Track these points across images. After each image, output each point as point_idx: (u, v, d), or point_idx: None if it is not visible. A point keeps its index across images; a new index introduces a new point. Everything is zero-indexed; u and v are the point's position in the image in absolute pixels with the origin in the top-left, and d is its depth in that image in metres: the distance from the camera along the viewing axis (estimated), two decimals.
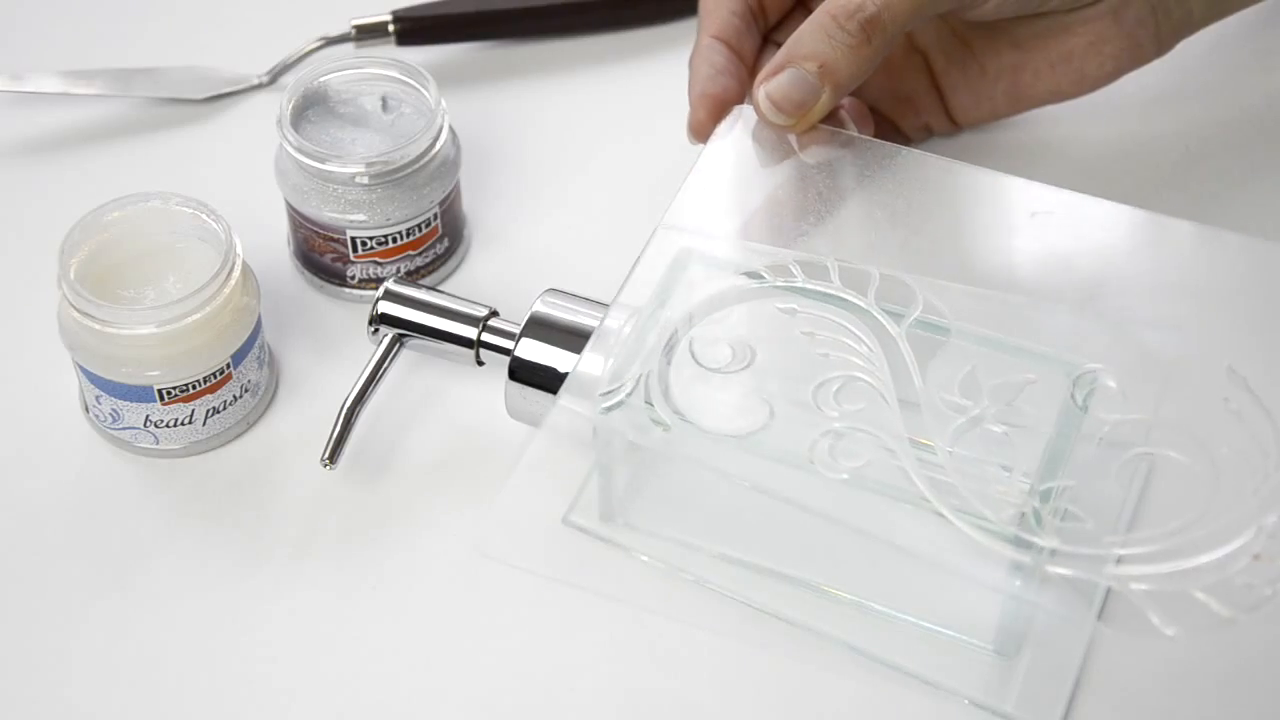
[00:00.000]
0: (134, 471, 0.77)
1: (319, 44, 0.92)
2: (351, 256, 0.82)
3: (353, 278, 0.82)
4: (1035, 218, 0.73)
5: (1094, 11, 0.79)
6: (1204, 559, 0.62)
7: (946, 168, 0.75)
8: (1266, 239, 0.72)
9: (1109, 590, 0.64)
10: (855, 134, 0.77)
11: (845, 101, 0.80)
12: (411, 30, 0.92)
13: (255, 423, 0.78)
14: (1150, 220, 0.71)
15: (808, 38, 0.74)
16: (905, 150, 0.76)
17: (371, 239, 0.81)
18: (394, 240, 0.81)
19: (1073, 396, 0.68)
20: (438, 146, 0.81)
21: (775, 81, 0.74)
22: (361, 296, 0.82)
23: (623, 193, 0.86)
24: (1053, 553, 0.63)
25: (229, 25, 0.96)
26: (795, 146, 0.75)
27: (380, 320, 0.78)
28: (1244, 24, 0.91)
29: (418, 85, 0.82)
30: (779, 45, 0.76)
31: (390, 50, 0.92)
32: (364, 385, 0.76)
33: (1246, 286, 0.70)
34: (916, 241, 0.73)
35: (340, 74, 0.82)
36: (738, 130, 0.76)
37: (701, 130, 0.77)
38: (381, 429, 0.78)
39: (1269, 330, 0.63)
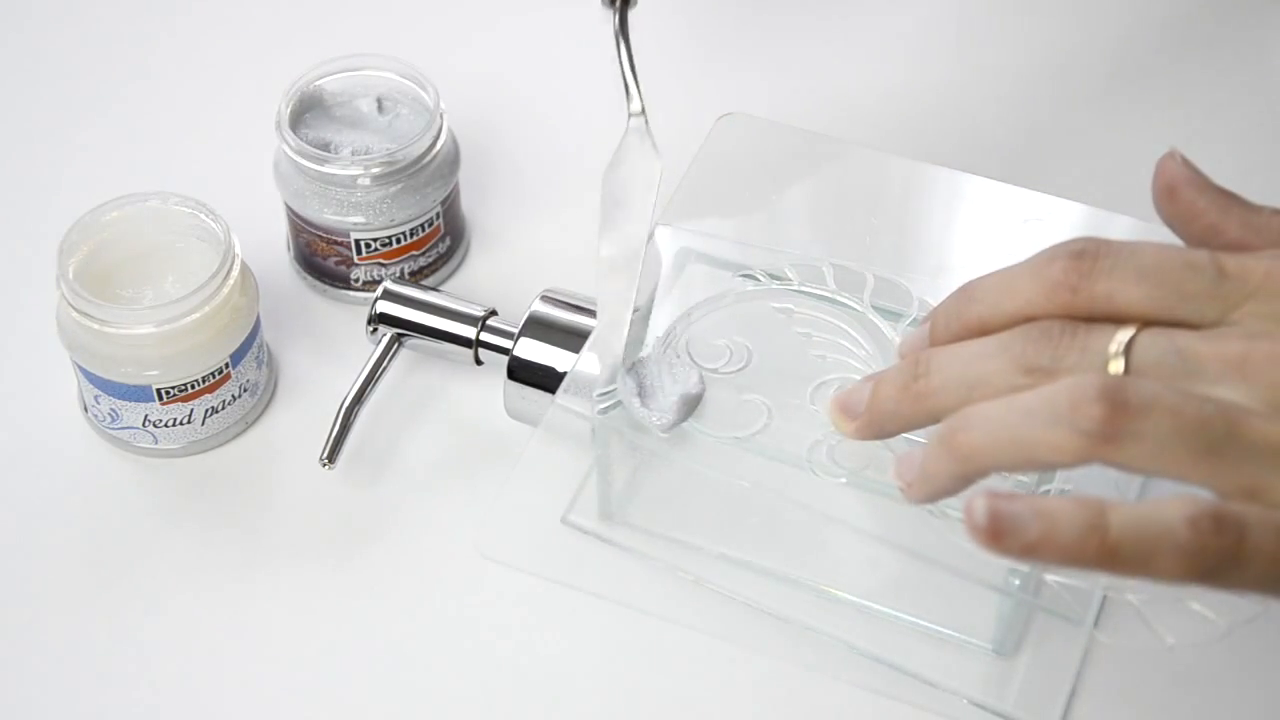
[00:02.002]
0: (133, 471, 0.77)
1: None
2: (356, 259, 0.82)
3: (357, 280, 0.82)
4: (1028, 224, 0.73)
5: None
6: None
7: (942, 175, 0.75)
8: None
9: (1104, 599, 0.65)
10: (849, 143, 0.77)
11: None
12: None
13: (254, 422, 0.78)
14: (1142, 228, 0.71)
15: None
16: (901, 159, 0.75)
17: (376, 240, 0.81)
18: (398, 241, 0.81)
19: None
20: (439, 146, 0.81)
21: None
22: (366, 299, 0.82)
23: None
24: None
25: (236, 29, 0.96)
26: (789, 153, 0.75)
27: (379, 320, 0.78)
28: (1244, 24, 0.91)
29: (414, 85, 0.82)
30: None
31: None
32: (363, 385, 0.76)
33: None
34: (911, 247, 0.74)
35: (335, 76, 0.82)
36: (732, 133, 0.76)
37: None
38: (380, 428, 0.78)
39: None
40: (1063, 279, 0.59)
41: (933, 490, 0.60)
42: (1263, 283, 0.58)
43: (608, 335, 0.69)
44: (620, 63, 0.74)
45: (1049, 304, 0.59)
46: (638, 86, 0.74)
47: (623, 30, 0.75)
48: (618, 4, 0.75)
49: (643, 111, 0.73)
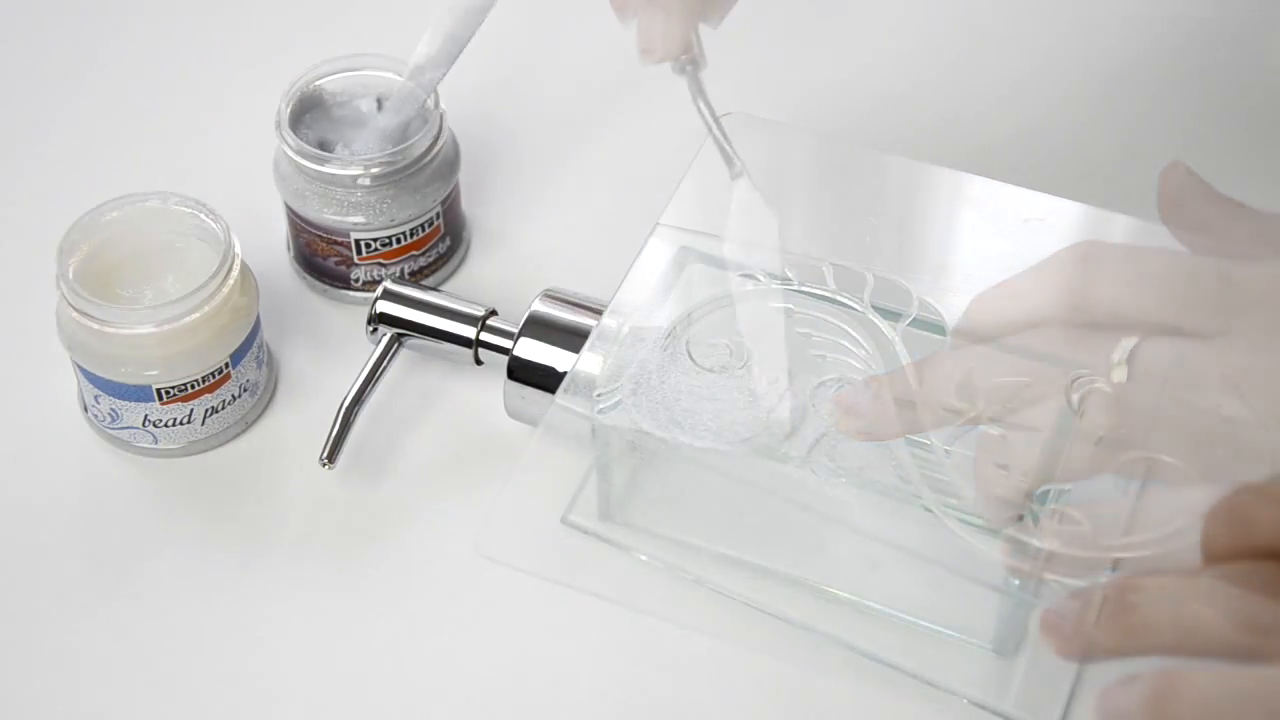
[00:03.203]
0: (133, 471, 0.77)
1: None
2: (356, 259, 0.82)
3: (357, 280, 0.82)
4: (1028, 224, 0.73)
5: None
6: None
7: (942, 175, 0.75)
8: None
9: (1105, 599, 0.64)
10: (849, 143, 0.76)
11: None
12: None
13: (254, 422, 0.78)
14: (1142, 228, 0.71)
15: None
16: (901, 159, 0.75)
17: (376, 240, 0.81)
18: (398, 241, 0.81)
19: (1069, 400, 0.67)
20: (439, 146, 0.81)
21: None
22: (366, 299, 0.82)
23: (621, 193, 0.86)
24: (1049, 556, 0.63)
25: (236, 29, 0.96)
26: (789, 152, 0.75)
27: (379, 320, 0.78)
28: (1244, 23, 0.91)
29: (415, 85, 0.82)
30: None
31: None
32: (362, 385, 0.76)
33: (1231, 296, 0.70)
34: (911, 246, 0.74)
35: (335, 76, 0.82)
36: (733, 133, 0.76)
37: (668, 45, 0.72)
38: (380, 428, 0.78)
39: (1261, 339, 0.63)
40: (1067, 285, 0.59)
41: None
42: (1267, 292, 0.57)
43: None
44: (709, 127, 0.72)
45: (1055, 311, 0.59)
46: (730, 146, 0.72)
47: (701, 93, 0.73)
48: (689, 69, 0.73)
49: (744, 171, 0.71)
